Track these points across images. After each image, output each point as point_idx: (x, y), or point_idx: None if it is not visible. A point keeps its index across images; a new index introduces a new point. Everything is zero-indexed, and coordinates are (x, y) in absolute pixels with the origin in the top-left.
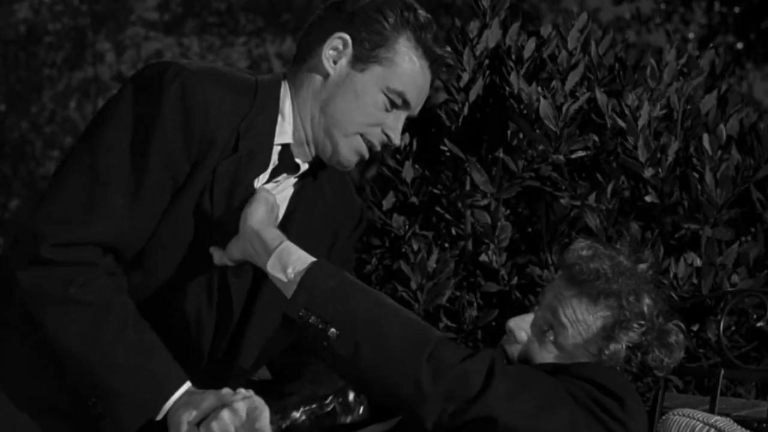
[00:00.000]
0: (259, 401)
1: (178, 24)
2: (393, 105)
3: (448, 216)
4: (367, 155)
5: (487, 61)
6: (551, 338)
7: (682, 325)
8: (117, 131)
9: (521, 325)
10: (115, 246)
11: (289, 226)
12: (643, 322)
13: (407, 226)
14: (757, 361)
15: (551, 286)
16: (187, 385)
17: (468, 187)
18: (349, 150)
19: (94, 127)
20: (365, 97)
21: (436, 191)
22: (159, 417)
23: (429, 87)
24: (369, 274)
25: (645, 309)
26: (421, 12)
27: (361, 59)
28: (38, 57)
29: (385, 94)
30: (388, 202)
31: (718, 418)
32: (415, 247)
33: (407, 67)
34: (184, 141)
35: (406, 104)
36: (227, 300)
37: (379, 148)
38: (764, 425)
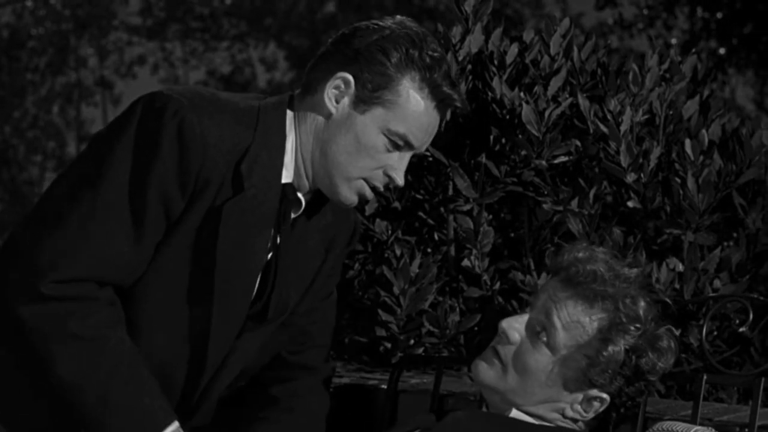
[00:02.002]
0: None
1: (160, 29)
2: (395, 146)
3: (430, 221)
4: (371, 197)
5: (469, 67)
6: (544, 339)
7: (674, 330)
8: (117, 167)
9: (514, 326)
10: (113, 281)
11: (287, 247)
12: (639, 325)
13: (390, 231)
14: (739, 366)
15: (545, 288)
16: (175, 425)
17: (450, 192)
18: (351, 193)
19: (95, 159)
20: (366, 139)
21: (418, 196)
22: None
23: (437, 125)
24: (352, 280)
25: (641, 312)
26: (430, 50)
27: (364, 100)
28: (21, 62)
29: (386, 136)
30: (370, 207)
31: (698, 428)
32: (398, 252)
33: (411, 109)
34: (180, 178)
35: (409, 145)
36: (211, 339)
37: (382, 189)
38: (746, 430)
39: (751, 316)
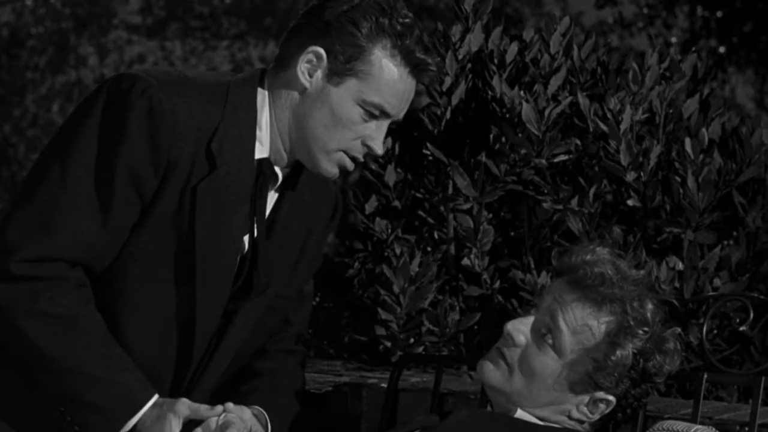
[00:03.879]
0: (233, 416)
1: (160, 28)
2: (372, 116)
3: (430, 220)
4: (351, 167)
5: (469, 65)
6: (550, 342)
7: (680, 332)
8: (85, 147)
9: (519, 328)
10: (83, 262)
11: (271, 234)
12: (647, 329)
13: (390, 230)
14: (739, 364)
15: (550, 290)
16: (155, 397)
17: (450, 191)
18: (331, 165)
19: (64, 138)
20: (341, 111)
21: (418, 195)
22: (125, 430)
23: (413, 92)
24: (352, 278)
25: (648, 315)
26: (400, 17)
27: (337, 73)
28: (21, 60)
29: (362, 107)
30: (370, 206)
31: (699, 427)
32: (398, 251)
33: (385, 78)
34: (151, 158)
35: (385, 114)
36: (197, 320)
37: (362, 159)
38: (746, 429)
39: (751, 315)
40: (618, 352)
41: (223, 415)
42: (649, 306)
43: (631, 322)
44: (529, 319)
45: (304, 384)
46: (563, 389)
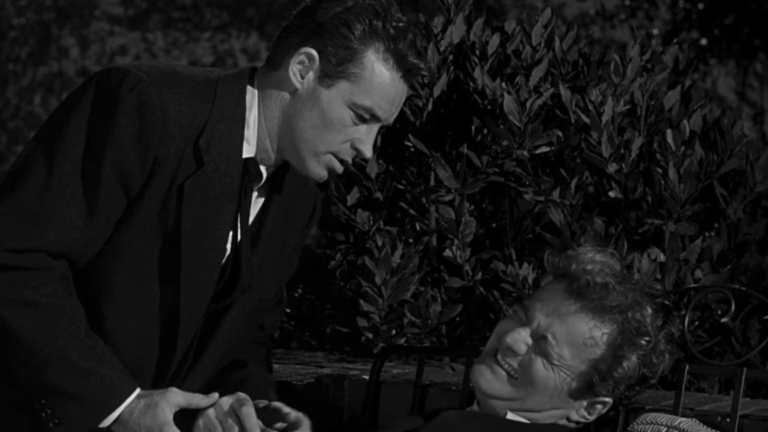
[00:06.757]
0: (243, 394)
1: (142, 19)
2: (362, 119)
3: (412, 211)
4: (340, 170)
5: (451, 57)
6: (549, 351)
7: (672, 332)
8: (72, 140)
9: (518, 339)
10: (66, 255)
11: (259, 238)
12: (649, 338)
13: (371, 222)
14: (720, 356)
15: (547, 296)
16: (138, 390)
17: (432, 182)
18: (320, 167)
19: (51, 131)
20: (332, 114)
21: (400, 187)
22: (107, 423)
23: (404, 96)
24: (333, 270)
25: (648, 321)
26: (394, 21)
27: (328, 75)
28: (2, 52)
29: (352, 110)
30: (352, 198)
31: (682, 419)
32: (380, 242)
33: (376, 81)
34: (139, 154)
35: (375, 118)
36: (181, 316)
37: (351, 162)
38: (727, 420)
39: (732, 307)
40: (624, 364)
41: (232, 395)
42: (648, 311)
43: (633, 333)
44: (527, 329)
45: (272, 371)
46: (564, 397)
